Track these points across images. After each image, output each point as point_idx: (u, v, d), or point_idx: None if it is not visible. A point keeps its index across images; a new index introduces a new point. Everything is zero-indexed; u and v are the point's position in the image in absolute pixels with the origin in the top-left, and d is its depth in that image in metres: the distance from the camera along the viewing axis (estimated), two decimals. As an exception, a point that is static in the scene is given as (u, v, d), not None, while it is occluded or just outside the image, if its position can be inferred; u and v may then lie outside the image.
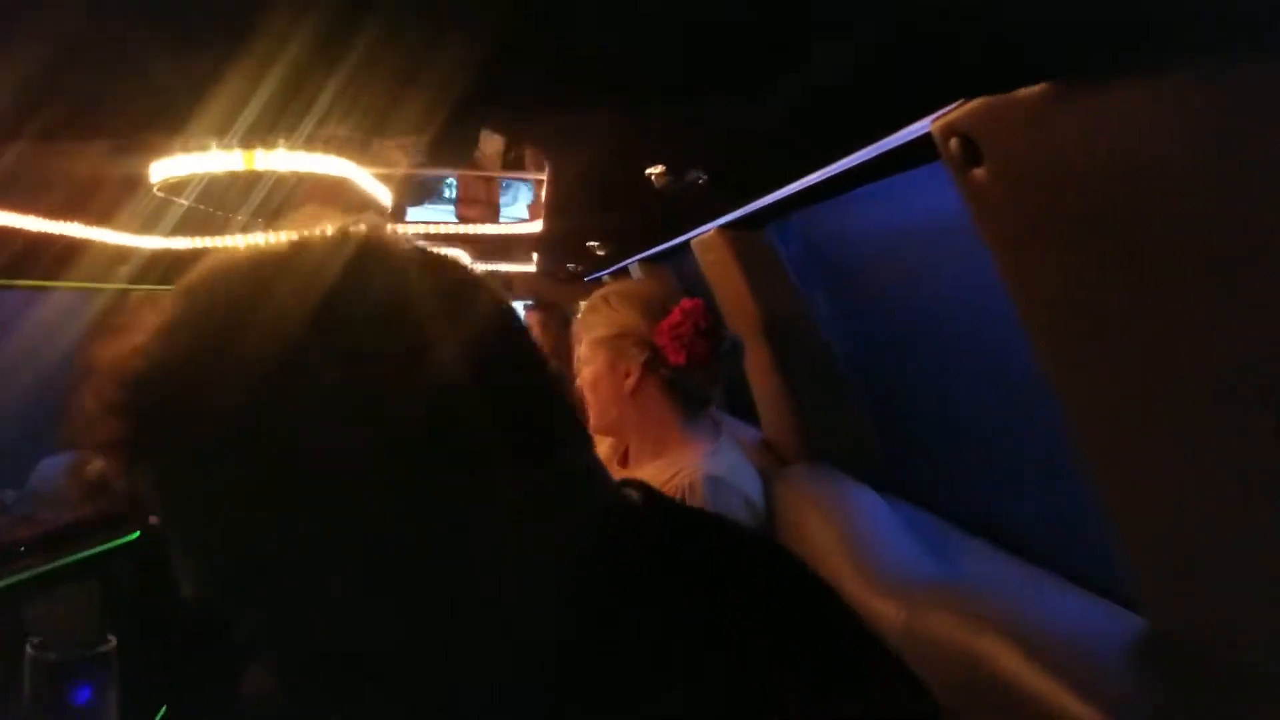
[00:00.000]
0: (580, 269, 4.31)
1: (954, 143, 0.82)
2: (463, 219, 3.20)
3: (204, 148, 1.56)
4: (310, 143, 1.61)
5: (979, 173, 0.82)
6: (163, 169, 1.59)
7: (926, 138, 0.88)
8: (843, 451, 1.96)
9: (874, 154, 1.05)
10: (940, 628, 1.10)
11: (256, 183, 1.73)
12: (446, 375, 0.53)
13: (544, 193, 2.01)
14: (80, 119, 1.48)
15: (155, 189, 1.69)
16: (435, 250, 0.64)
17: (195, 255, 2.76)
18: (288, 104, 1.30)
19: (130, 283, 2.84)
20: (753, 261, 1.94)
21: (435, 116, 1.41)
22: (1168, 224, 0.69)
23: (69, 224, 1.93)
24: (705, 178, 1.40)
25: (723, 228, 1.94)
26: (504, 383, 0.57)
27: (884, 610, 1.21)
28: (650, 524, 0.66)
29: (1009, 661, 0.94)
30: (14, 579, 2.15)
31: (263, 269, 0.58)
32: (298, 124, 1.43)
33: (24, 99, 1.32)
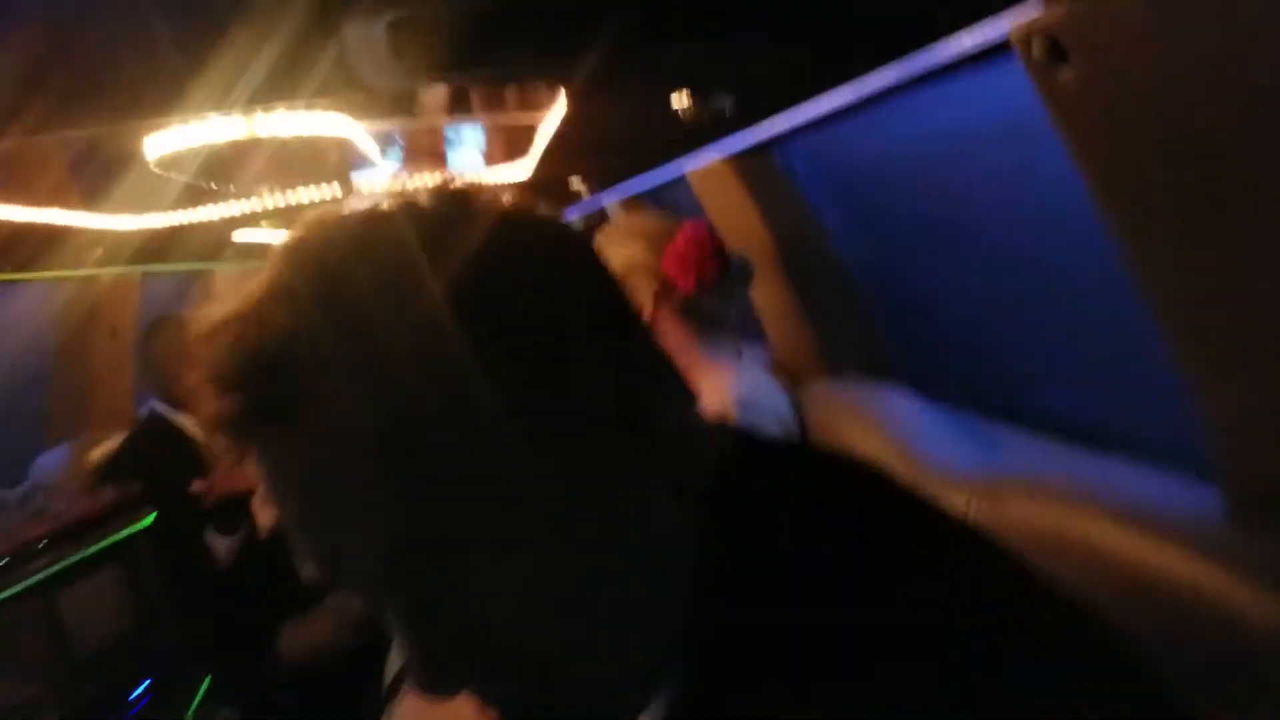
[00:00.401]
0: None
1: (1036, 44, 0.83)
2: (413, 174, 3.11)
3: (202, 116, 1.50)
4: (312, 102, 1.57)
5: (1065, 75, 0.83)
6: (160, 142, 1.53)
7: (1002, 40, 0.89)
8: (860, 366, 2.00)
9: (928, 63, 1.05)
10: (1017, 516, 1.14)
11: (251, 153, 1.68)
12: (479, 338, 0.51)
13: (541, 134, 1.98)
14: (77, 94, 1.42)
15: (152, 165, 1.64)
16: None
17: (175, 234, 2.69)
18: (291, 64, 1.27)
19: (107, 266, 2.77)
20: (762, 187, 1.95)
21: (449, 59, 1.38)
22: (1270, 130, 0.70)
23: (54, 210, 1.86)
24: (732, 100, 1.39)
25: (729, 155, 1.94)
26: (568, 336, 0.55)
27: (953, 505, 1.25)
28: (761, 463, 0.64)
29: (1105, 538, 0.99)
30: (40, 575, 2.12)
31: (371, 229, 0.56)
32: (301, 82, 1.39)
33: (21, 75, 1.26)
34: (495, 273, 0.53)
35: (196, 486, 2.51)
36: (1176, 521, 0.98)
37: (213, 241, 3.50)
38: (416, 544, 0.52)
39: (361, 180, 2.80)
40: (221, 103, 1.52)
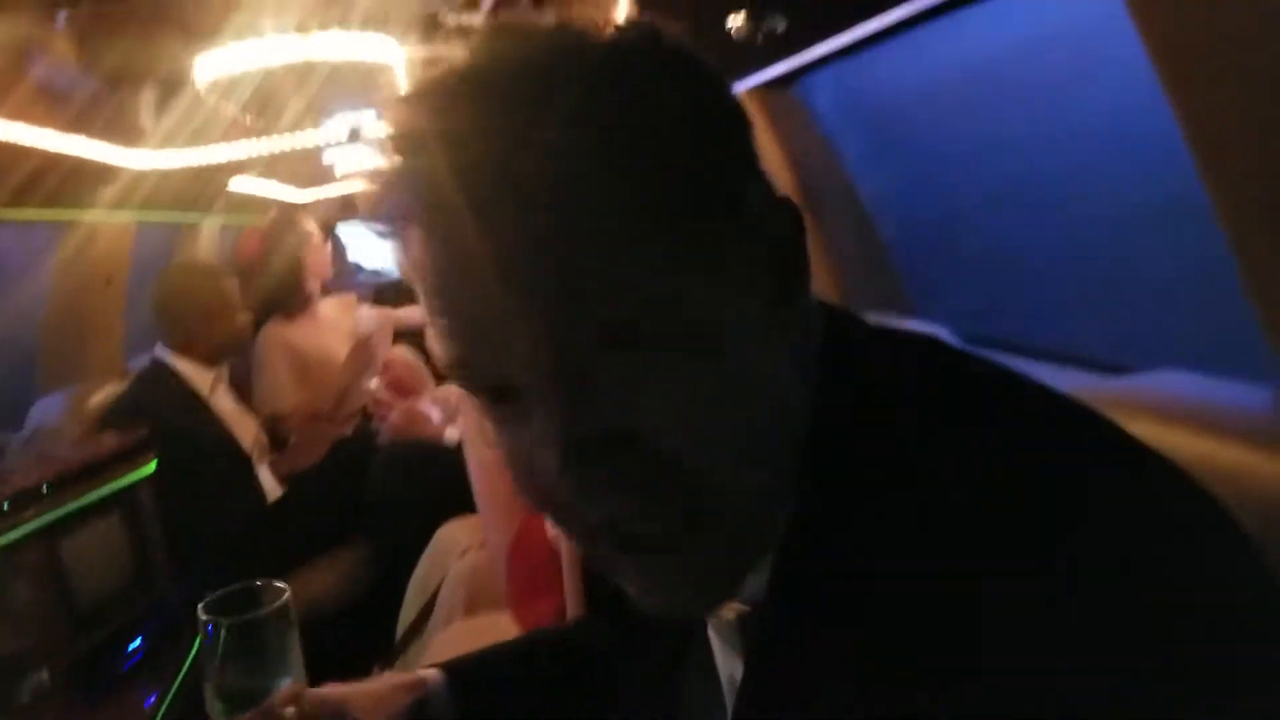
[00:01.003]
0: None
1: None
2: None
3: (258, 33, 1.46)
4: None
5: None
6: (212, 64, 1.49)
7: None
8: (876, 303, 2.01)
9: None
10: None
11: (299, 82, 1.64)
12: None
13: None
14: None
15: (202, 90, 1.59)
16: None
17: (176, 180, 2.64)
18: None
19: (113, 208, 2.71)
20: (783, 119, 1.95)
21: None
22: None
23: (76, 141, 1.81)
24: (785, 23, 1.39)
25: (751, 90, 1.93)
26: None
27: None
28: (860, 333, 0.65)
29: (1159, 439, 0.99)
30: (43, 520, 2.08)
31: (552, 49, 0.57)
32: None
33: None
34: (654, 101, 0.55)
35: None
36: (1228, 418, 1.00)
37: (209, 190, 3.44)
38: (559, 349, 0.53)
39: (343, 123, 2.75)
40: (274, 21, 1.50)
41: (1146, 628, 0.45)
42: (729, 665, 0.69)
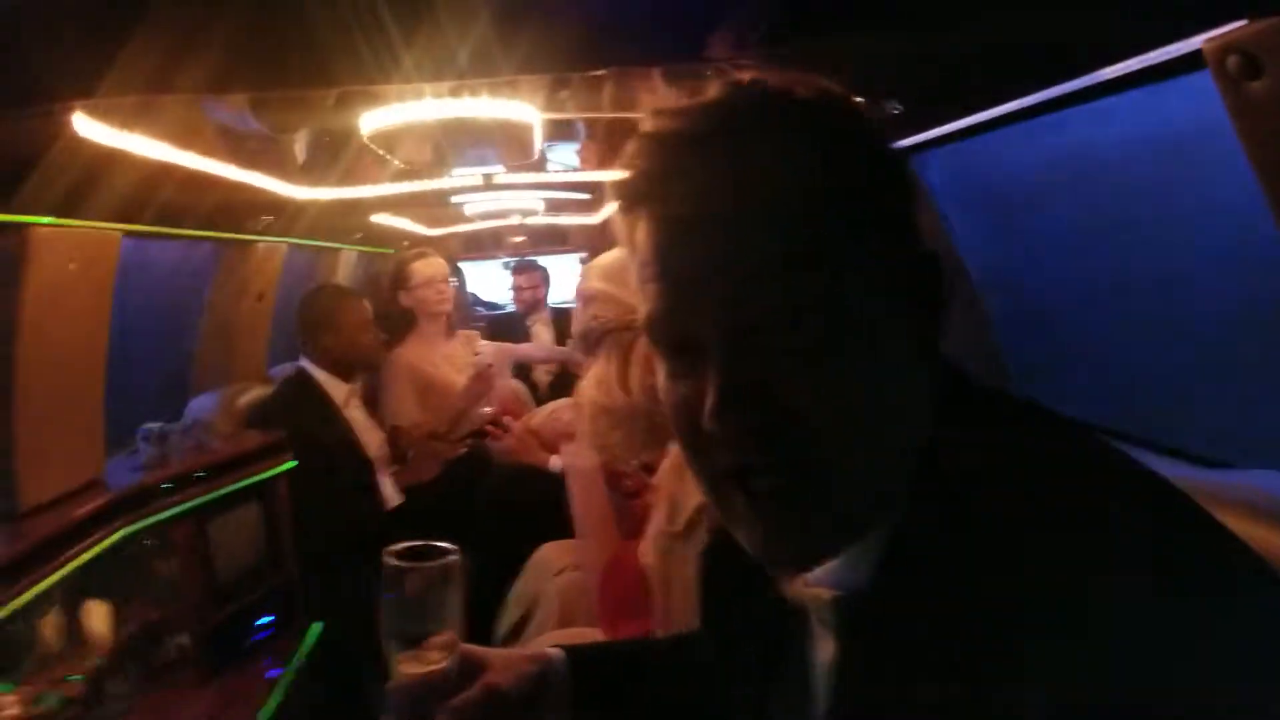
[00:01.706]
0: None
1: (1231, 59, 0.95)
2: (584, 160, 3.25)
3: (419, 94, 1.69)
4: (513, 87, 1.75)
5: (1256, 87, 0.94)
6: (376, 118, 1.73)
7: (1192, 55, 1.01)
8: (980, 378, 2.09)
9: (1107, 74, 1.17)
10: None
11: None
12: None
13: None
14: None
15: (367, 138, 1.83)
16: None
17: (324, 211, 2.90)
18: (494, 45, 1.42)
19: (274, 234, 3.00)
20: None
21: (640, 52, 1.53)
22: None
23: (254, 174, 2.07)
24: (901, 107, 1.53)
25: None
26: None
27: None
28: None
29: (1252, 531, 1.07)
30: (197, 501, 2.32)
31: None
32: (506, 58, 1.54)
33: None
34: (844, 154, 0.70)
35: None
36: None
37: (351, 223, 3.74)
38: (741, 314, 0.67)
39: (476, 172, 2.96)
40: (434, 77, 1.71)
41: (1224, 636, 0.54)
42: (819, 647, 0.79)
